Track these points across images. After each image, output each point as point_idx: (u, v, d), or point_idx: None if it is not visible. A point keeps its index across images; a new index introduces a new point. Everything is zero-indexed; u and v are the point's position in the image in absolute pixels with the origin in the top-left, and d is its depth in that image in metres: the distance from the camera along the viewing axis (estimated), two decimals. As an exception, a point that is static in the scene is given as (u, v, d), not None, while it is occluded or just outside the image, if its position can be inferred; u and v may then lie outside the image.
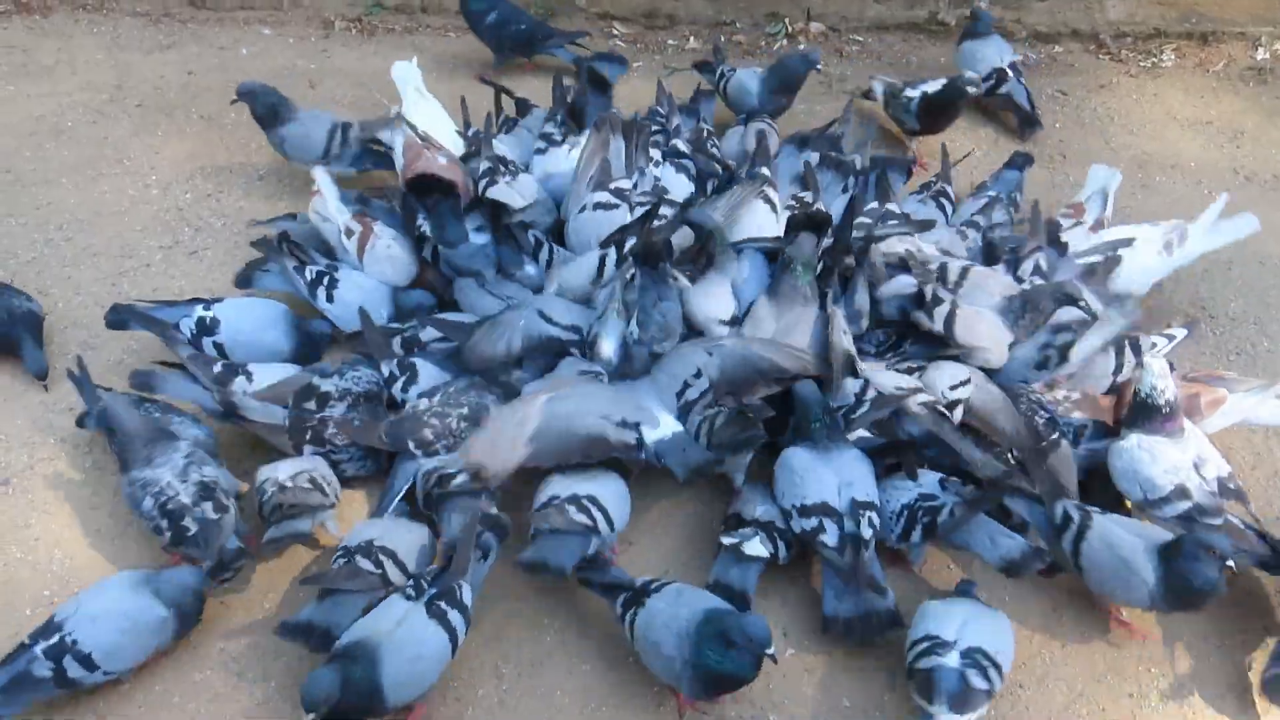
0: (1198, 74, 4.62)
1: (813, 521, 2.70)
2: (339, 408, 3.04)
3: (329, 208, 3.53)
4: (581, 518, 2.71)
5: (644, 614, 2.53)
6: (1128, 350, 3.13)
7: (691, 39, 4.91)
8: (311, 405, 3.01)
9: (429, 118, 3.91)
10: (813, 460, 2.80)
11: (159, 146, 4.29)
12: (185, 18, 5.07)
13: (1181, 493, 2.72)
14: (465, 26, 4.95)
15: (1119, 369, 3.11)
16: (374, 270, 3.45)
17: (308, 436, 2.97)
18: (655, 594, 2.56)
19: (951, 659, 2.44)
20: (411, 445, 2.94)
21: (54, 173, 4.16)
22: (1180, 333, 3.25)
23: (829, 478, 2.76)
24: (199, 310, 3.28)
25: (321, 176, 3.60)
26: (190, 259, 3.78)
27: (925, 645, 2.48)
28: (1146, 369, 2.84)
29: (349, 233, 3.47)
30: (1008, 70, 4.23)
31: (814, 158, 3.80)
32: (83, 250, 3.83)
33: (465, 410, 2.99)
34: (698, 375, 2.95)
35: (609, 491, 2.81)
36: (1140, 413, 2.83)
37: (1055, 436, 2.89)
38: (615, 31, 4.95)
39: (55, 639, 2.49)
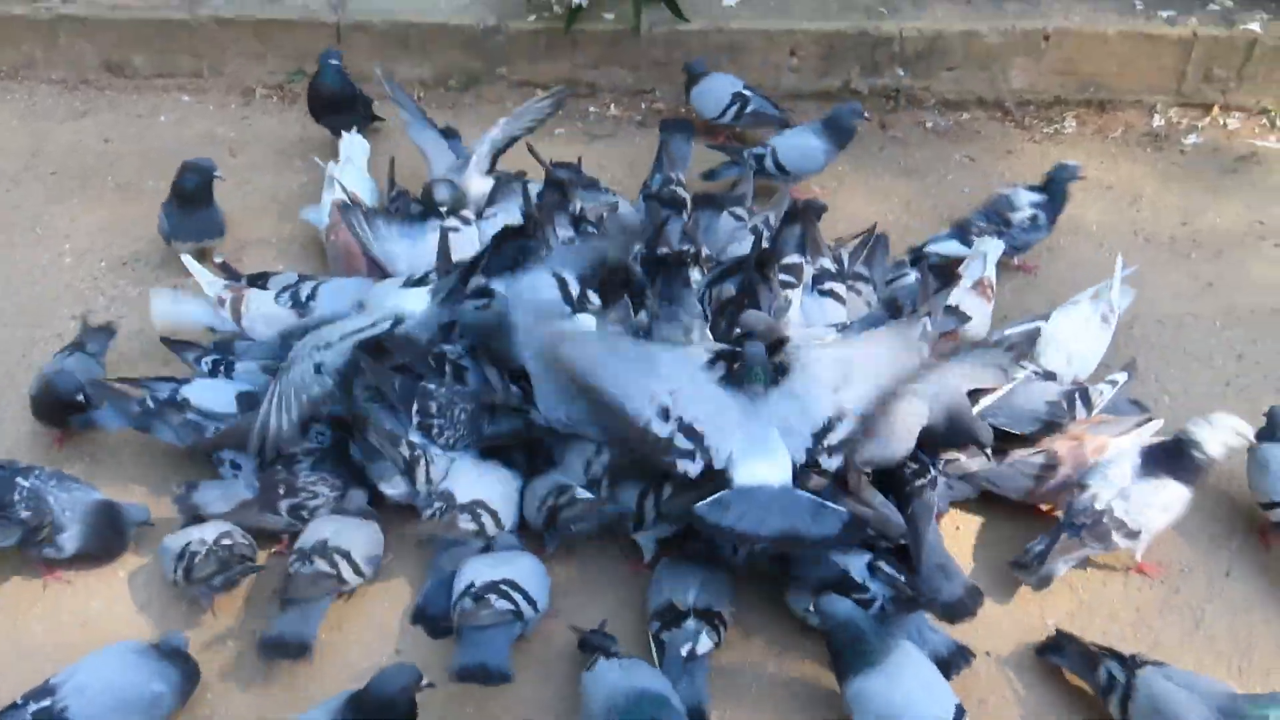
0: (1097, 140, 4.81)
1: None
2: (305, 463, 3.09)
3: (201, 282, 3.57)
4: (504, 604, 2.68)
5: (590, 674, 2.56)
6: (1078, 401, 3.22)
7: (613, 106, 4.99)
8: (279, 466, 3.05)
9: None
10: None
11: (74, 214, 4.25)
12: (103, 85, 5.03)
13: None
14: (386, 94, 4.98)
15: (1072, 420, 3.19)
16: (255, 331, 3.44)
17: (281, 492, 2.98)
18: (609, 659, 2.58)
19: None
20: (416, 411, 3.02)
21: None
22: (1121, 377, 3.36)
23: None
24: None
25: (188, 260, 3.63)
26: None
27: None
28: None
29: (220, 302, 3.49)
30: (744, 92, 4.48)
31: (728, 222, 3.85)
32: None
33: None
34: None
35: (526, 571, 2.80)
36: None
37: (920, 484, 2.92)
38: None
39: (47, 703, 2.47)
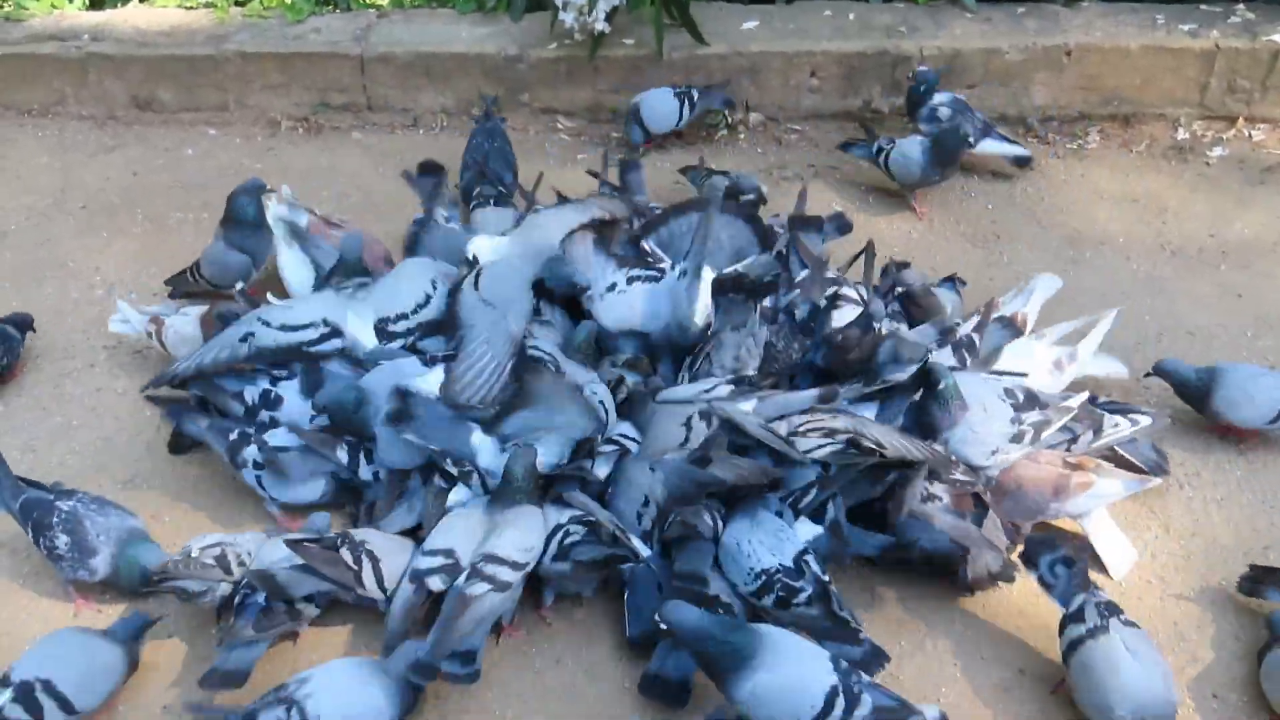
0: (1122, 154, 4.79)
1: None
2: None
3: (131, 319, 3.64)
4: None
5: None
6: (1087, 428, 3.14)
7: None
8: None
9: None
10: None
11: (103, 248, 4.29)
12: (130, 120, 5.10)
13: None
14: (410, 123, 5.04)
15: (1070, 445, 3.13)
16: (179, 352, 3.49)
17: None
18: None
19: None
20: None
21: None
22: (1145, 420, 3.19)
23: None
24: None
25: (121, 305, 3.70)
26: (134, 358, 3.76)
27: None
28: None
29: (149, 334, 3.58)
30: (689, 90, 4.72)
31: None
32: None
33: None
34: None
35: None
36: None
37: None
38: (559, 125, 5.05)
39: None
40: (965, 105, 4.54)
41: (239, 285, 3.80)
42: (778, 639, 2.55)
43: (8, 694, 2.55)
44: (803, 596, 2.74)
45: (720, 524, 2.91)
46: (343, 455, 3.12)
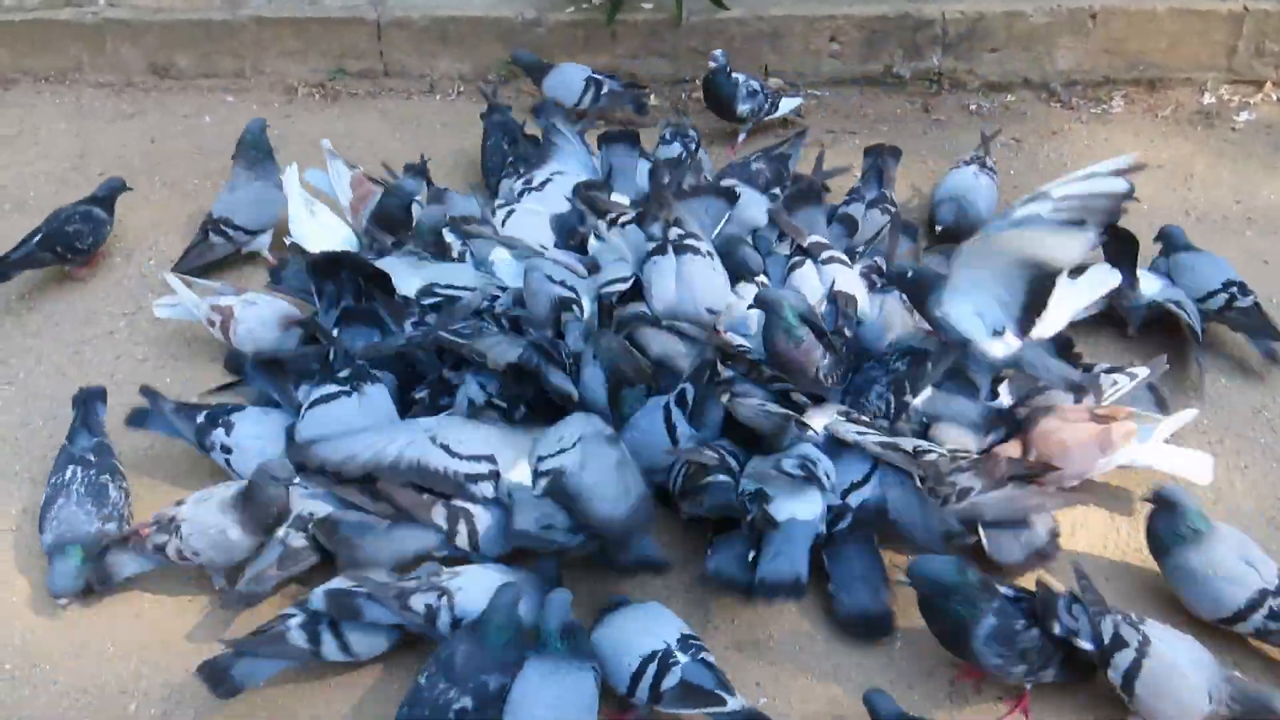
0: (1147, 119, 4.72)
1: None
2: None
3: (186, 303, 3.54)
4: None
5: None
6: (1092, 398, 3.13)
7: (653, 96, 4.97)
8: None
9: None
10: None
11: (122, 214, 4.28)
12: (148, 86, 5.10)
13: None
14: (426, 89, 5.01)
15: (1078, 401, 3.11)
16: (249, 347, 3.39)
17: None
18: None
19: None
20: None
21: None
22: (1143, 371, 3.23)
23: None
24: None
25: (173, 280, 3.58)
26: (154, 325, 3.77)
27: None
28: None
29: (210, 323, 3.48)
30: (596, 76, 4.65)
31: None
32: (45, 319, 3.81)
33: None
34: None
35: None
36: None
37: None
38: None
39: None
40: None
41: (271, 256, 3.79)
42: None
43: None
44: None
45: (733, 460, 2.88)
46: None
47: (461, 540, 2.81)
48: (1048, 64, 4.85)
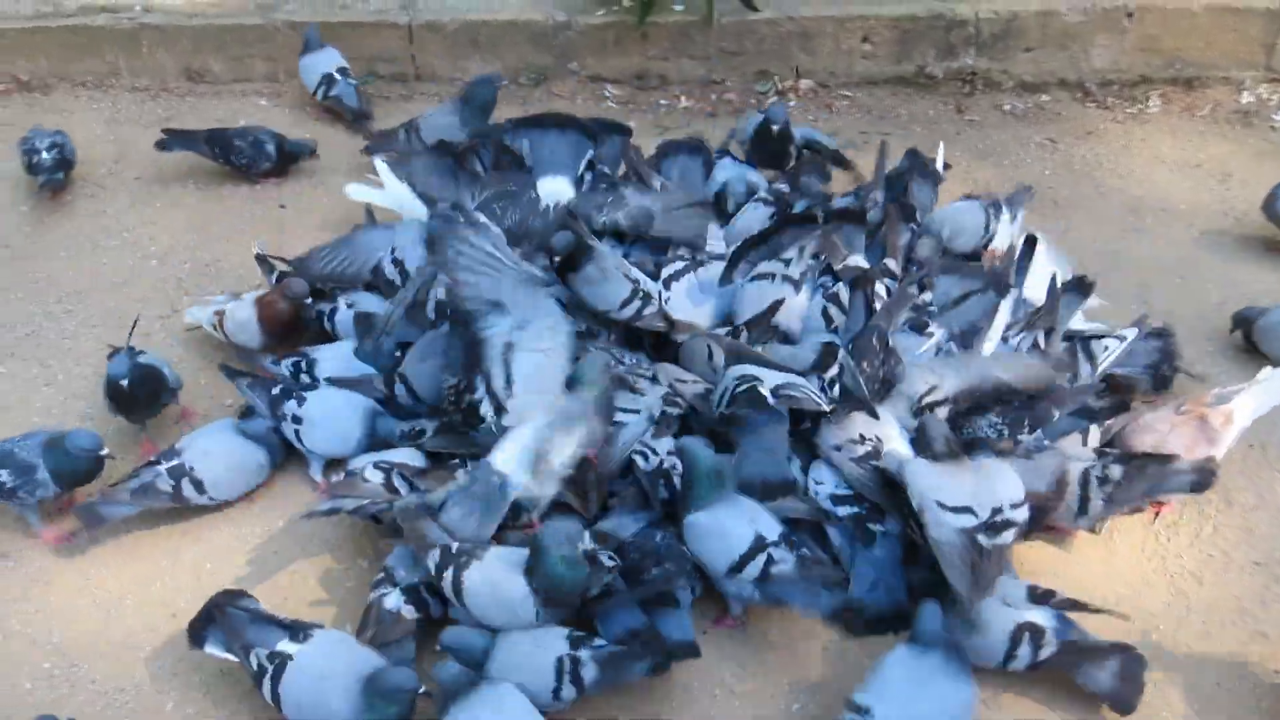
0: (1184, 118, 4.67)
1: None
2: None
3: (200, 318, 3.66)
4: None
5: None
6: (1079, 354, 3.17)
7: (683, 99, 4.96)
8: None
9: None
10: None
11: (157, 218, 4.33)
12: (183, 91, 5.14)
13: None
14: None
15: (1073, 379, 3.14)
16: (238, 339, 3.53)
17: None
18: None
19: None
20: None
21: (53, 246, 4.20)
22: (1131, 333, 3.25)
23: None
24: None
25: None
26: (190, 329, 3.79)
27: None
28: None
29: (214, 327, 3.60)
30: (335, 74, 4.70)
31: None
32: (82, 322, 3.85)
33: None
34: None
35: None
36: None
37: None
38: (607, 93, 5.01)
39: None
40: None
41: (256, 250, 3.84)
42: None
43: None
44: None
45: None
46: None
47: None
48: (1083, 63, 4.81)
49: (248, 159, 4.38)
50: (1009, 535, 2.65)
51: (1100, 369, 3.21)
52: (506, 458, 2.78)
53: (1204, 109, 4.70)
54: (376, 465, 2.98)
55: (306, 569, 3.00)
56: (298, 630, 2.58)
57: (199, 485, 3.07)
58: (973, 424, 2.97)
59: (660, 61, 4.98)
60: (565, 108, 4.60)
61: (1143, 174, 4.37)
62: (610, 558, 2.68)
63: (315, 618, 2.80)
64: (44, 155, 4.29)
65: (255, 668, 2.54)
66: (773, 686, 2.69)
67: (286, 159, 4.45)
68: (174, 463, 3.07)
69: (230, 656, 2.61)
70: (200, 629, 2.67)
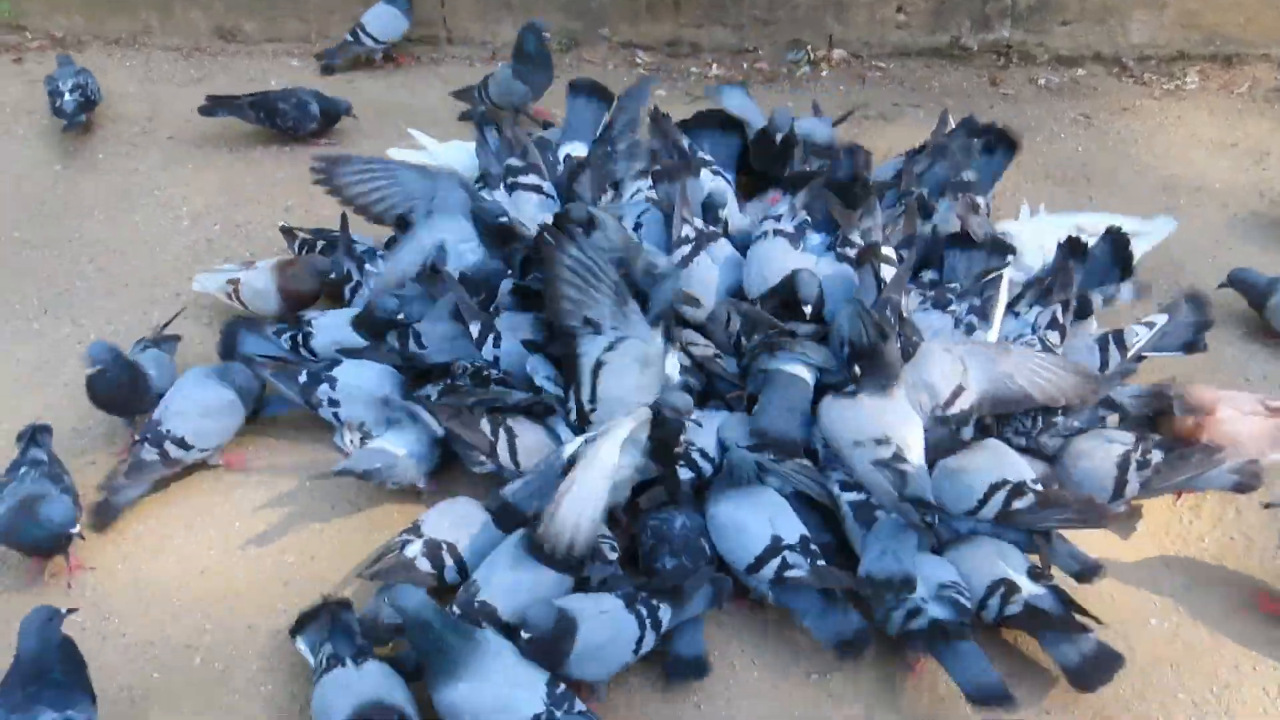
0: (1222, 96, 4.60)
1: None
2: None
3: (208, 286, 3.66)
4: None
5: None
6: (1111, 345, 3.16)
7: (714, 66, 4.94)
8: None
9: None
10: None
11: (189, 178, 4.36)
12: (215, 51, 5.15)
13: None
14: (488, 56, 5.02)
15: (1104, 365, 3.13)
16: (255, 307, 3.57)
17: None
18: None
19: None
20: None
21: (86, 204, 4.24)
22: (1161, 319, 3.25)
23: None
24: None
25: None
26: (212, 296, 3.82)
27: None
28: None
29: (229, 296, 3.60)
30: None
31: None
32: (114, 280, 3.89)
33: None
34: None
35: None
36: None
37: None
38: (639, 60, 4.99)
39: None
40: None
41: (281, 223, 3.89)
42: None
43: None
44: None
45: None
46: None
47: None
48: (1120, 38, 4.75)
49: (293, 121, 4.40)
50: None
51: (1132, 353, 3.19)
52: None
53: (1242, 86, 4.63)
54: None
55: (331, 530, 3.06)
56: (361, 653, 2.55)
57: (181, 442, 3.08)
58: (1000, 433, 2.98)
59: (693, 29, 4.95)
60: (596, 74, 4.58)
61: (1178, 152, 4.32)
62: (612, 548, 2.75)
63: (337, 574, 2.88)
64: (66, 98, 4.38)
65: (315, 664, 2.57)
66: (789, 659, 2.72)
67: (329, 119, 4.47)
68: (150, 433, 3.09)
69: (309, 656, 2.63)
70: (304, 624, 2.68)
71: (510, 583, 2.65)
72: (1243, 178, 4.18)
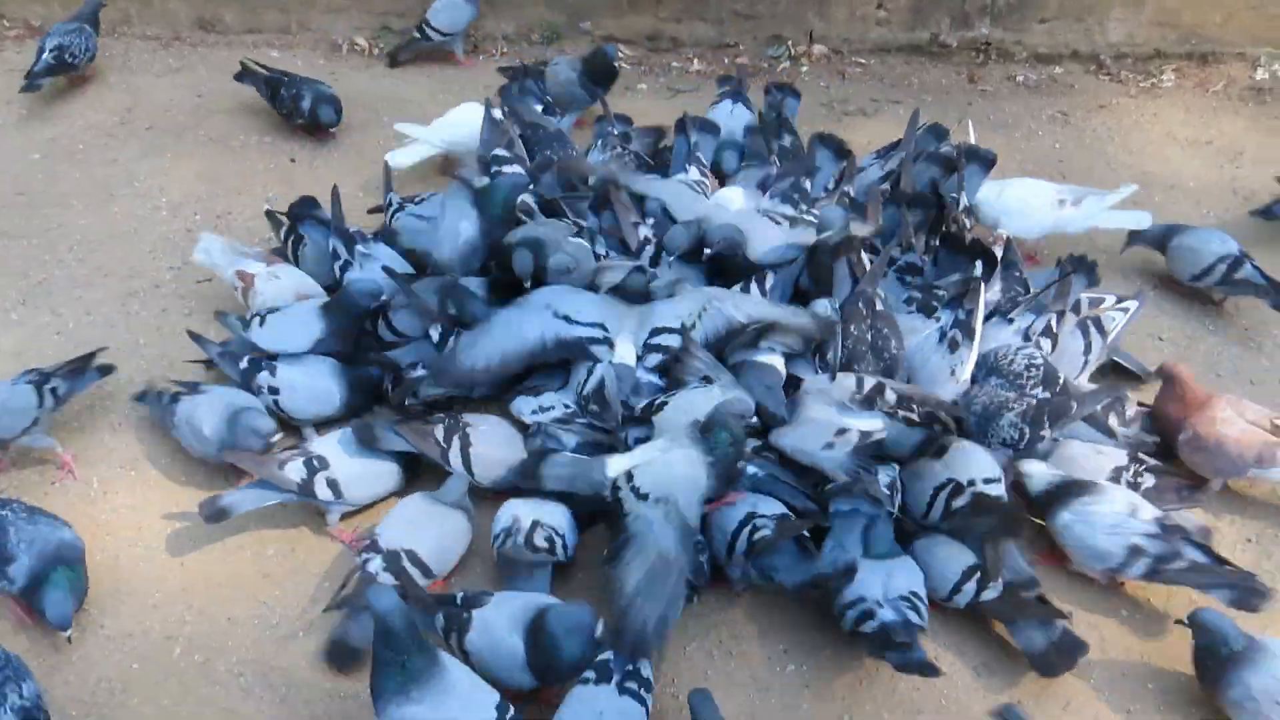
0: (1197, 94, 4.65)
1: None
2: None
3: (216, 259, 3.57)
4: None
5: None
6: (1092, 329, 3.21)
7: (695, 61, 4.95)
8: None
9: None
10: None
11: (169, 168, 4.35)
12: (195, 41, 5.13)
13: None
14: (470, 50, 5.01)
15: (1088, 348, 3.18)
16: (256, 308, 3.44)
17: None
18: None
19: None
20: None
21: (65, 194, 4.22)
22: (1133, 304, 3.30)
23: None
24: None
25: (206, 237, 3.64)
26: (200, 280, 3.81)
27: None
28: None
29: (235, 288, 3.53)
30: None
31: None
32: (94, 270, 3.88)
33: None
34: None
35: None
36: None
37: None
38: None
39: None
40: None
41: (267, 206, 3.81)
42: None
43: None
44: None
45: None
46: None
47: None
48: (1098, 36, 4.79)
49: (286, 109, 4.40)
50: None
51: (1110, 338, 3.25)
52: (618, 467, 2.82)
53: (1218, 85, 4.68)
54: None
55: (311, 522, 3.07)
56: (468, 603, 2.59)
57: (331, 485, 2.95)
58: (995, 427, 2.97)
59: (673, 23, 4.97)
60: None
61: (1154, 150, 4.36)
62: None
63: (318, 565, 2.88)
64: (43, 57, 4.52)
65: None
66: (768, 648, 2.75)
67: (315, 119, 4.38)
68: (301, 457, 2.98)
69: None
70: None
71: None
72: (1217, 175, 4.23)
